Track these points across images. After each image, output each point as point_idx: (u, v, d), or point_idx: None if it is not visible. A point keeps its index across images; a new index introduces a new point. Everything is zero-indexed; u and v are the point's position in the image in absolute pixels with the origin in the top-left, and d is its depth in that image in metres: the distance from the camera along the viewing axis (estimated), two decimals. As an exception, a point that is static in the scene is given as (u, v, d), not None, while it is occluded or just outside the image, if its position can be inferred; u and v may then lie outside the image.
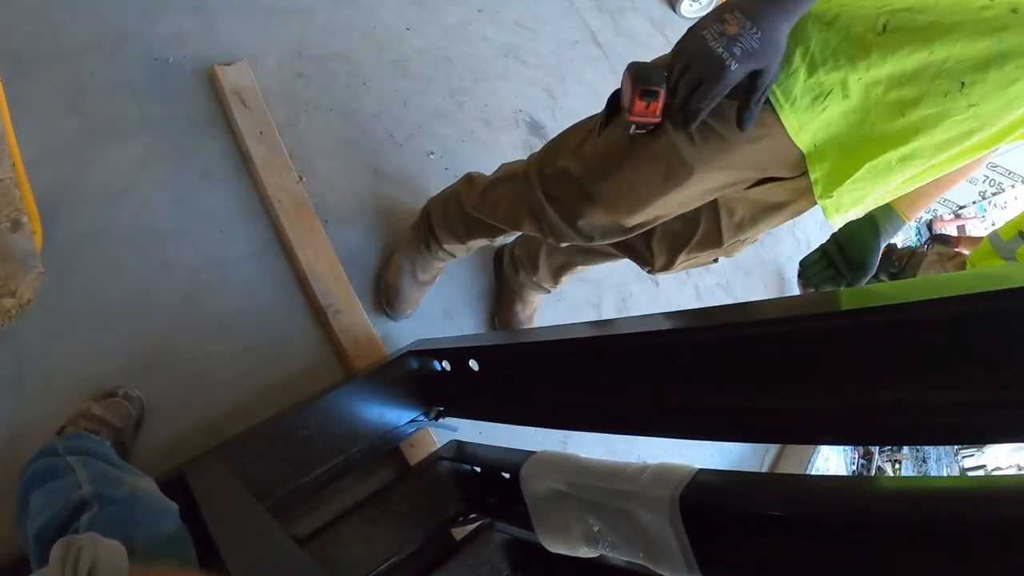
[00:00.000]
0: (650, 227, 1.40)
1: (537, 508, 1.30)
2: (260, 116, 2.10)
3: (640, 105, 1.18)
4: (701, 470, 1.05)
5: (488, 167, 2.51)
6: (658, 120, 1.20)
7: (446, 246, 2.00)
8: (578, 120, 1.55)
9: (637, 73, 1.17)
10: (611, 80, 3.51)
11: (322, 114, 2.33)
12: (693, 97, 1.04)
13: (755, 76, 1.01)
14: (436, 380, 1.74)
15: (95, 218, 1.79)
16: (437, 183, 2.40)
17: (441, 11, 2.82)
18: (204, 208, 1.95)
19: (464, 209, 1.82)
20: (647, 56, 2.89)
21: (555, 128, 2.98)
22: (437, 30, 2.76)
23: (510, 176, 1.70)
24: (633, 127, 1.23)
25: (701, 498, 0.99)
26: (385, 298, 2.11)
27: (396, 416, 1.75)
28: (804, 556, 0.90)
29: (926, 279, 0.96)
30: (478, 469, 1.69)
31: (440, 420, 1.81)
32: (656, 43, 4.12)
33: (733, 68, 0.97)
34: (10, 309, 1.10)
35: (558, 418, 1.37)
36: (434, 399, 1.76)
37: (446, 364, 1.68)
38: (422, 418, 1.81)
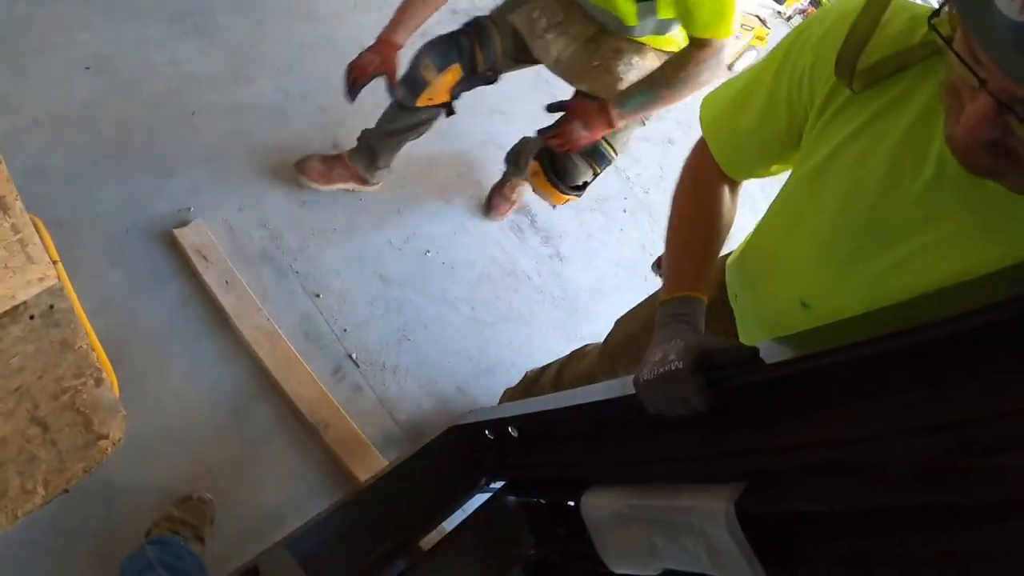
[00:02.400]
0: None
1: (599, 532, 1.29)
2: (222, 267, 2.30)
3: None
4: (753, 479, 1.02)
5: (481, 254, 2.82)
6: None
7: None
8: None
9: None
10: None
11: (327, 235, 2.59)
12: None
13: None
14: (481, 450, 1.76)
15: (151, 355, 2.09)
16: (437, 278, 2.71)
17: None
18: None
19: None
20: None
21: (538, 205, 3.22)
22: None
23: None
24: (655, 266, 1.80)
25: (758, 504, 0.95)
26: None
27: (450, 486, 1.78)
28: (880, 548, 0.85)
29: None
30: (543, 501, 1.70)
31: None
32: None
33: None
34: (106, 448, 1.30)
35: (596, 473, 1.37)
36: (482, 468, 1.77)
37: (489, 433, 1.71)
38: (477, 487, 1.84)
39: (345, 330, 2.40)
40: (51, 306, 1.34)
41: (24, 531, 1.19)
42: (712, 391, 0.97)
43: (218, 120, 2.65)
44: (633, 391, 1.10)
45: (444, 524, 1.74)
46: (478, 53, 2.19)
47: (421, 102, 2.22)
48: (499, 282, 2.88)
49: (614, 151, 2.31)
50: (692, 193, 1.35)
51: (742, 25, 4.95)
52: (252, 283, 2.32)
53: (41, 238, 1.38)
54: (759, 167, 1.27)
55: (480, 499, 1.72)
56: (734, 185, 1.35)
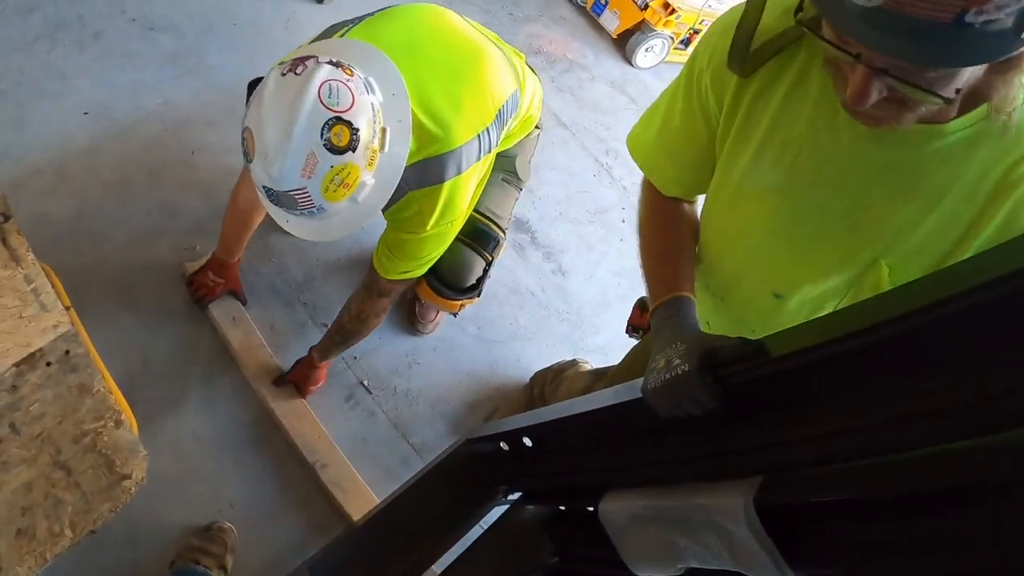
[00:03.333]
0: None
1: (620, 536, 1.29)
2: (229, 303, 2.34)
3: (636, 313, 1.79)
4: (768, 474, 1.01)
5: None
6: (646, 327, 1.72)
7: None
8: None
9: (640, 299, 1.78)
10: (582, 157, 3.77)
11: (332, 265, 2.63)
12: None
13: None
14: (497, 461, 1.78)
15: (166, 394, 2.13)
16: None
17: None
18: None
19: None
20: (613, 119, 3.60)
21: (537, 220, 3.25)
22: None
23: None
24: (630, 328, 1.79)
25: (777, 497, 0.96)
26: None
27: (466, 501, 1.80)
28: (902, 536, 0.85)
29: None
30: (562, 508, 1.72)
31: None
32: (618, 104, 4.30)
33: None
34: (130, 488, 1.32)
35: (613, 477, 1.37)
36: (499, 479, 1.79)
37: (504, 445, 1.72)
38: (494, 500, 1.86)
39: (355, 357, 2.42)
40: (67, 352, 1.36)
41: (52, 572, 1.21)
42: (721, 389, 0.98)
43: (217, 158, 2.68)
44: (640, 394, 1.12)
45: (464, 538, 1.75)
46: None
47: None
48: (504, 300, 2.89)
49: (499, 228, 2.22)
50: (652, 212, 1.41)
51: None
52: (260, 316, 2.36)
53: (53, 285, 1.40)
54: (700, 182, 1.31)
55: (497, 513, 1.74)
56: (691, 202, 1.42)
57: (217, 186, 2.59)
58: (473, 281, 2.21)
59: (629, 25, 4.54)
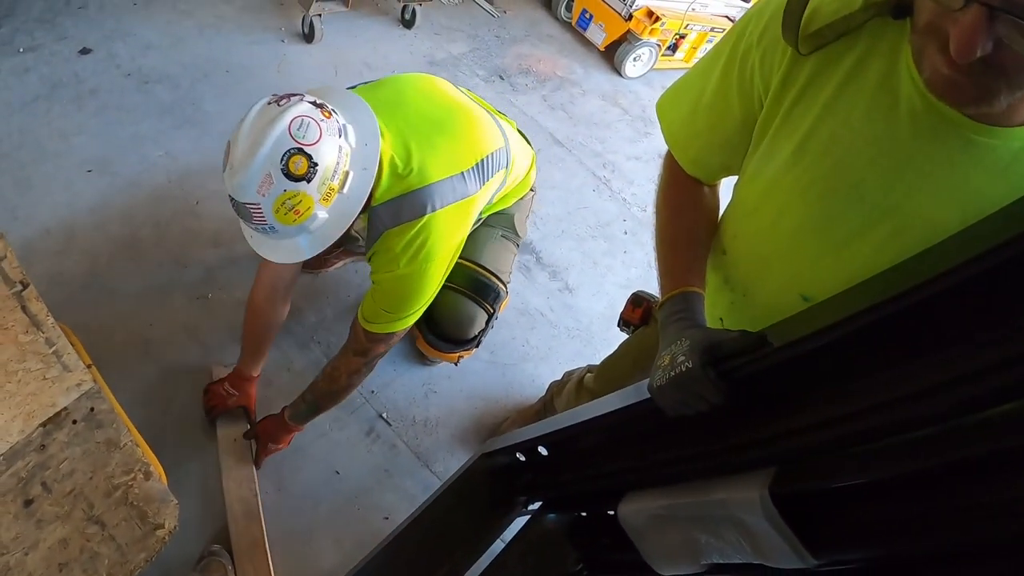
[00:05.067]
0: None
1: (641, 538, 1.30)
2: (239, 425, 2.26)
3: (628, 308, 1.80)
4: (784, 458, 1.01)
5: None
6: (637, 323, 1.76)
7: None
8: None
9: (633, 294, 1.80)
10: (580, 173, 3.79)
11: (343, 302, 2.65)
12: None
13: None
14: (514, 472, 1.78)
15: (190, 440, 2.16)
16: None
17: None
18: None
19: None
20: (607, 132, 3.69)
21: (540, 240, 3.28)
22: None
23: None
24: (621, 323, 1.81)
25: (792, 486, 0.96)
26: None
27: (487, 514, 1.79)
28: (918, 513, 0.85)
29: None
30: (584, 513, 1.72)
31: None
32: (611, 116, 4.34)
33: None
34: (164, 537, 1.33)
35: (629, 479, 1.38)
36: (517, 490, 1.78)
37: (520, 456, 1.73)
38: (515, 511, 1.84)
39: (373, 391, 2.44)
40: (91, 409, 1.39)
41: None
42: (726, 383, 0.98)
43: (222, 205, 2.68)
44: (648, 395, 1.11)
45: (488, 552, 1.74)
46: None
47: None
48: (514, 323, 2.91)
49: (500, 281, 2.28)
50: (669, 196, 1.37)
51: (712, 29, 4.99)
52: (277, 359, 2.38)
53: (73, 345, 1.43)
54: (725, 165, 1.28)
55: (518, 525, 1.74)
56: (712, 185, 1.37)
57: (224, 233, 2.63)
58: (475, 333, 2.28)
59: (615, 37, 4.58)
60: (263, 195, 1.45)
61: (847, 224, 1.06)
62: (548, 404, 2.44)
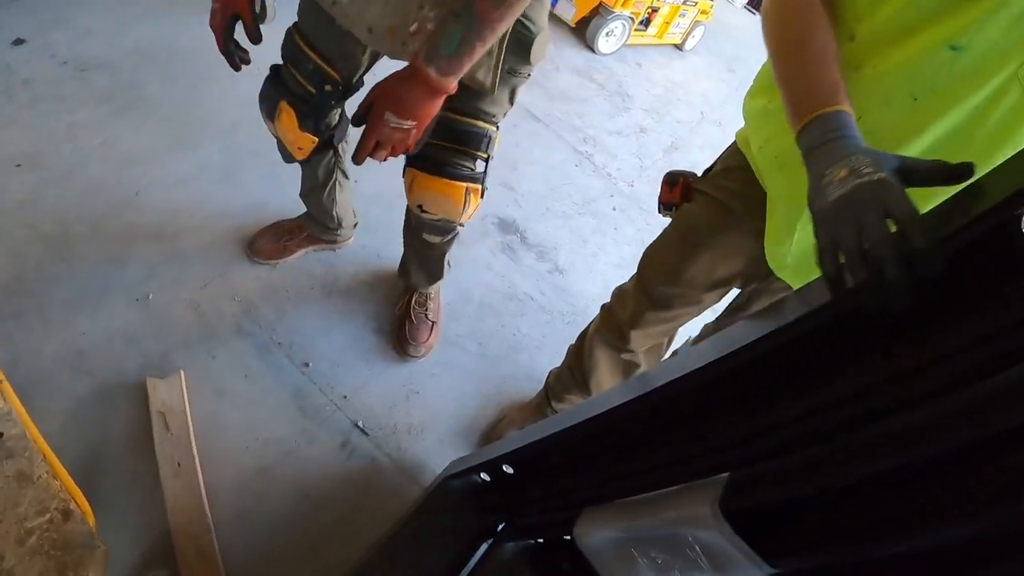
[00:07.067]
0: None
1: (599, 560, 1.27)
2: (182, 442, 1.93)
3: (664, 190, 1.66)
4: (733, 472, 1.01)
5: (476, 280, 2.65)
6: (679, 201, 1.63)
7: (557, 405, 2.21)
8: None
9: (667, 173, 1.67)
10: (559, 148, 3.65)
11: (306, 297, 2.39)
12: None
13: None
14: (481, 493, 1.73)
15: (132, 466, 1.85)
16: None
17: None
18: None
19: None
20: (584, 107, 3.44)
21: (524, 219, 3.07)
22: (387, 169, 2.77)
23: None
24: (661, 208, 1.69)
25: (742, 499, 0.95)
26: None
27: (455, 540, 1.71)
28: (875, 515, 0.83)
29: None
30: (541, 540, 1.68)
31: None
32: (587, 92, 4.27)
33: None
34: None
35: (588, 496, 1.34)
36: (487, 511, 1.72)
37: (485, 476, 1.68)
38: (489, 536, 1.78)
39: (345, 397, 2.17)
40: (0, 434, 1.23)
41: None
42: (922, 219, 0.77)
43: (165, 195, 2.45)
44: (618, 402, 1.11)
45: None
46: (298, 78, 1.70)
47: (299, 156, 1.83)
48: (502, 310, 2.69)
49: (489, 124, 1.70)
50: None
51: (684, 2, 4.91)
52: (230, 365, 2.11)
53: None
54: None
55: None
56: None
57: (167, 226, 2.37)
58: (470, 166, 1.75)
59: (586, 12, 4.60)
60: None
61: None
62: (546, 398, 2.24)
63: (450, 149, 1.67)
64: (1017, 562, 0.70)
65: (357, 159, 1.46)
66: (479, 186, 1.79)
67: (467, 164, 1.72)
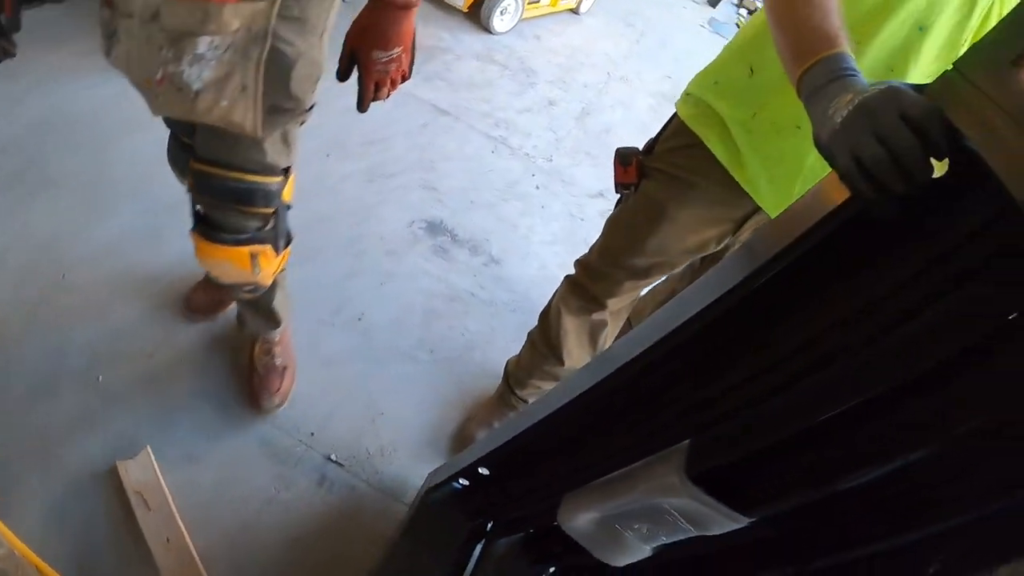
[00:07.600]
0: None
1: (587, 540, 1.30)
2: (165, 515, 1.91)
3: (618, 171, 1.68)
4: (692, 440, 1.05)
5: (414, 289, 2.70)
6: (635, 180, 1.66)
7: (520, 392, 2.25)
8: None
9: (617, 152, 1.69)
10: (473, 138, 3.66)
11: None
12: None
13: None
14: (464, 498, 1.76)
15: (125, 553, 1.85)
16: (381, 337, 2.54)
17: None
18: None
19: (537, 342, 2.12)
20: (490, 91, 3.61)
21: (451, 217, 3.09)
22: (305, 196, 2.69)
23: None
24: (618, 187, 1.70)
25: (705, 461, 1.00)
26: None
27: (450, 548, 1.74)
28: (833, 460, 0.88)
29: None
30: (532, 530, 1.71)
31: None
32: (491, 75, 4.28)
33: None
34: None
35: (565, 484, 1.37)
36: (473, 514, 1.75)
37: (464, 481, 1.71)
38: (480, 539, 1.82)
39: (312, 434, 2.19)
40: None
41: None
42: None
43: (92, 270, 2.41)
44: (577, 391, 1.17)
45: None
46: (183, 140, 1.62)
47: None
48: (446, 312, 2.72)
49: (265, 176, 1.53)
50: None
51: None
52: (195, 425, 2.11)
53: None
54: None
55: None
56: None
57: (102, 300, 2.33)
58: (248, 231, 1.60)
59: None
60: None
61: None
62: (508, 387, 2.29)
63: (229, 209, 1.54)
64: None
65: (362, 107, 1.42)
66: (267, 246, 1.65)
67: (248, 224, 1.59)
